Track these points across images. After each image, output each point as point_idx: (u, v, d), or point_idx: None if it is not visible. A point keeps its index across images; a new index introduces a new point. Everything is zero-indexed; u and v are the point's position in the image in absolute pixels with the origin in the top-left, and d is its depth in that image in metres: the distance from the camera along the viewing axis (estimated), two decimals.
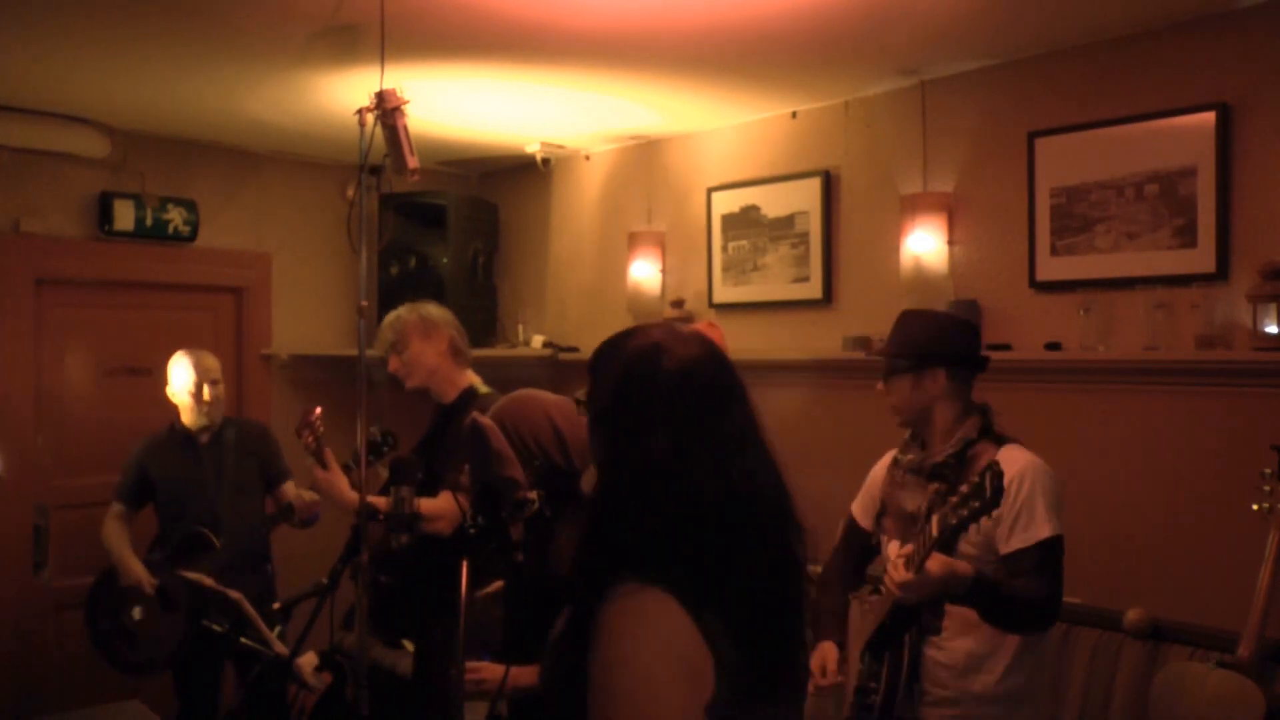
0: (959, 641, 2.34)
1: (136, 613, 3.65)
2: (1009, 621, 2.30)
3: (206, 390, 3.77)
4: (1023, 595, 2.26)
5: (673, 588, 1.24)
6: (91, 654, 3.82)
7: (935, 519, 2.14)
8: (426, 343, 3.28)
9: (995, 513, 2.09)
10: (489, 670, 2.23)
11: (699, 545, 1.28)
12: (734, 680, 1.24)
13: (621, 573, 1.26)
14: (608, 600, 1.24)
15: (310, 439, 3.14)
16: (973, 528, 2.17)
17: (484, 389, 3.29)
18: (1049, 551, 2.28)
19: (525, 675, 2.28)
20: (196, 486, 3.78)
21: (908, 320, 2.52)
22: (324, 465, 3.13)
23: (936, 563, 2.15)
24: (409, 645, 4.20)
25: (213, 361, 3.85)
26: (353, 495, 2.72)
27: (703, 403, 1.35)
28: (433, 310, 3.38)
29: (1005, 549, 2.29)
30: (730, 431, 1.34)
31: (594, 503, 1.36)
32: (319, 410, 3.16)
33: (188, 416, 3.80)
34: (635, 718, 1.19)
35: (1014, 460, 2.31)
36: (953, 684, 2.35)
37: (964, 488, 2.12)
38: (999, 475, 2.05)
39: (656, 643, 1.22)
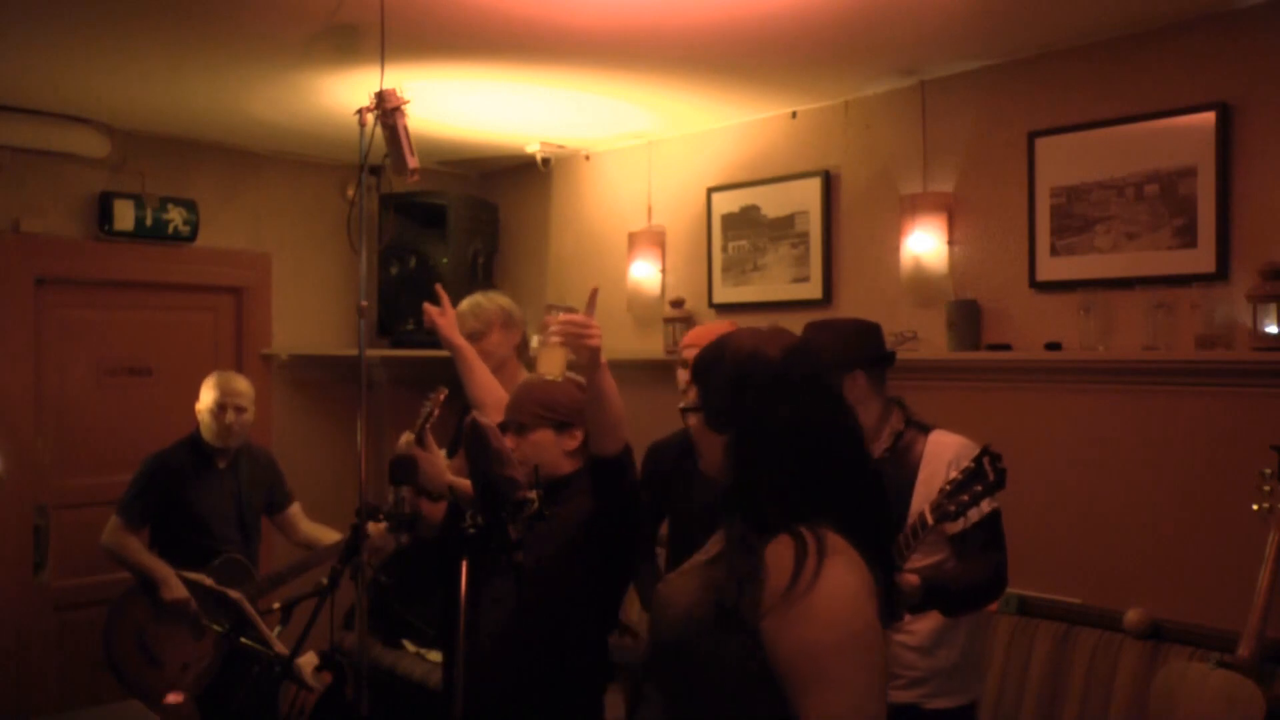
0: (921, 622, 2.44)
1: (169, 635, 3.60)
2: (969, 608, 2.42)
3: (229, 414, 3.74)
4: (974, 580, 2.36)
5: (832, 526, 1.48)
6: (91, 654, 3.82)
7: (928, 510, 2.22)
8: (504, 334, 3.29)
9: (999, 493, 2.19)
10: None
11: (836, 498, 1.53)
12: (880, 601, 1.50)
13: (774, 526, 1.48)
14: (772, 544, 1.46)
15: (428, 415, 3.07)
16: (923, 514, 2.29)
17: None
18: (993, 525, 2.40)
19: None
20: (221, 510, 3.76)
21: (815, 331, 2.58)
22: (424, 445, 3.06)
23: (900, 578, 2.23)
24: (409, 645, 4.22)
25: (242, 386, 3.82)
26: (450, 477, 2.71)
27: (822, 385, 1.62)
28: (509, 303, 3.39)
29: (954, 529, 2.38)
30: (833, 405, 1.61)
31: (736, 480, 1.56)
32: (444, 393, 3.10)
33: (207, 435, 3.78)
34: (854, 627, 1.42)
35: (946, 444, 2.45)
36: (920, 664, 2.44)
37: (955, 475, 2.21)
38: (998, 457, 2.17)
39: (851, 563, 1.46)
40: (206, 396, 3.77)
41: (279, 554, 4.18)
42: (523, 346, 3.41)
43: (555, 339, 2.10)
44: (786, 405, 1.54)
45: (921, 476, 2.43)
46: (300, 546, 4.02)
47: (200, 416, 3.78)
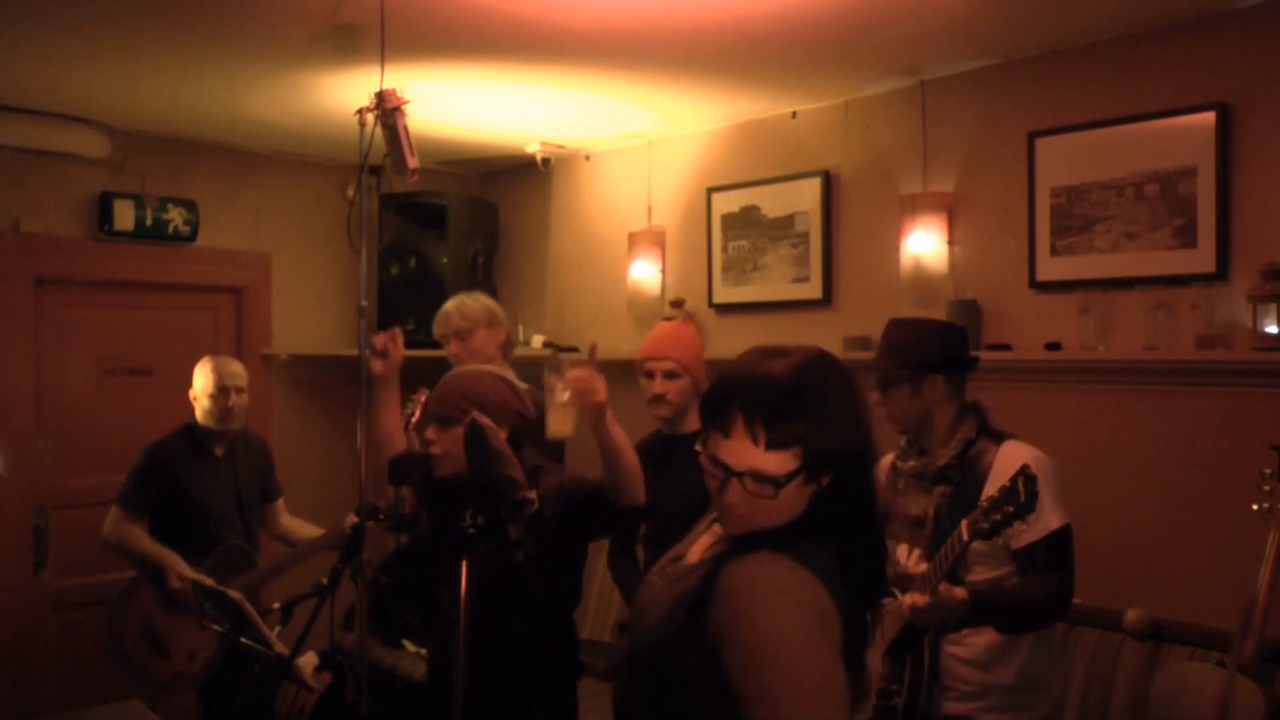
0: (979, 636, 2.38)
1: (171, 622, 3.59)
2: (1026, 625, 2.35)
3: (232, 395, 3.74)
4: (1028, 598, 2.31)
5: (797, 557, 1.38)
6: (92, 654, 3.82)
7: (965, 525, 2.17)
8: (490, 333, 3.41)
9: (1030, 516, 2.13)
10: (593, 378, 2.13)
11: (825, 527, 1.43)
12: (847, 638, 1.39)
13: (744, 549, 1.41)
14: (724, 569, 1.39)
15: (409, 416, 3.16)
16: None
17: (521, 385, 3.35)
18: (1060, 541, 2.33)
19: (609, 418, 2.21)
20: (220, 498, 3.77)
21: (898, 329, 2.53)
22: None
23: (943, 587, 2.19)
24: (409, 645, 4.22)
25: (238, 368, 3.82)
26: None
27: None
28: (493, 303, 3.50)
29: (1017, 544, 2.33)
30: None
31: (818, 513, 1.44)
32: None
33: (207, 420, 3.77)
34: (801, 668, 1.31)
35: (1016, 456, 2.34)
36: (976, 678, 2.38)
37: (994, 492, 2.15)
38: (1033, 479, 2.10)
39: (804, 598, 1.36)
40: (204, 381, 3.76)
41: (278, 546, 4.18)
42: (507, 345, 3.47)
43: (565, 398, 2.09)
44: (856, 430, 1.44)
45: (988, 489, 2.32)
46: (278, 540, 4.03)
47: (198, 403, 3.78)
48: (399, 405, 2.86)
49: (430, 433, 2.44)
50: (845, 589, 1.40)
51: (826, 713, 1.30)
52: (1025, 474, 2.11)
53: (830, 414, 1.39)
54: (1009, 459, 2.34)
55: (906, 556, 2.46)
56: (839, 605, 1.38)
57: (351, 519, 3.68)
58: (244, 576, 3.66)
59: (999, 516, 2.11)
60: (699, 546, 1.56)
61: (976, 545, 2.29)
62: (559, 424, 2.13)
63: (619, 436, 2.18)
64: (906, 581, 2.38)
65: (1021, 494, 2.09)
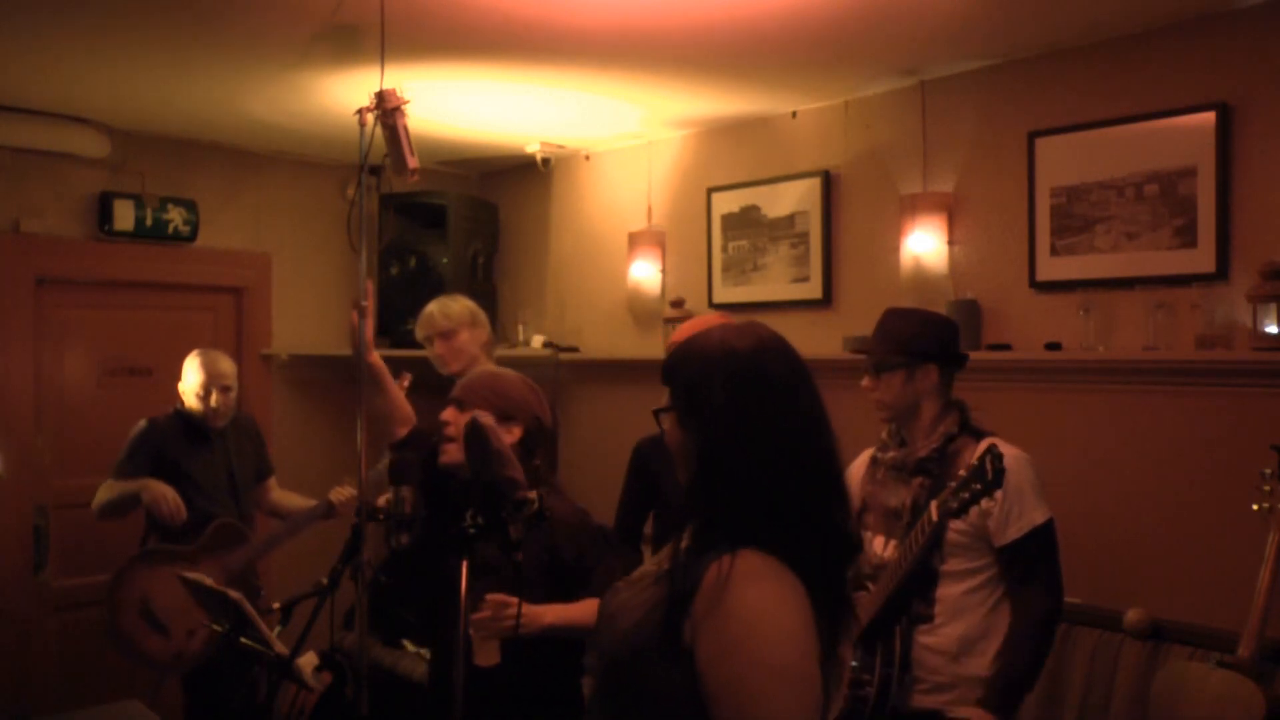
0: (951, 627, 2.40)
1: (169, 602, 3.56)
2: (1045, 651, 2.42)
3: (215, 396, 3.76)
4: (1032, 633, 2.36)
5: (775, 552, 1.38)
6: (92, 654, 3.81)
7: (934, 505, 2.22)
8: (472, 333, 3.47)
9: (997, 494, 2.18)
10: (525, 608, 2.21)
11: (793, 517, 1.41)
12: (822, 638, 1.40)
13: (721, 543, 1.39)
14: (713, 565, 1.37)
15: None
16: (962, 520, 2.28)
17: None
18: (1044, 536, 2.39)
19: (551, 614, 2.30)
20: (212, 478, 3.79)
21: (896, 318, 2.57)
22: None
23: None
24: (409, 645, 4.21)
25: (227, 366, 3.84)
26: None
27: (799, 387, 1.49)
28: (473, 304, 3.56)
29: (1002, 540, 2.36)
30: (808, 411, 1.47)
31: (698, 484, 1.46)
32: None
33: (194, 413, 3.80)
34: (777, 659, 1.33)
35: None
36: (946, 669, 2.40)
37: (962, 472, 2.20)
38: (999, 458, 2.16)
39: (783, 592, 1.36)
40: (192, 378, 3.78)
41: (273, 523, 4.19)
42: (489, 345, 3.51)
43: (477, 634, 2.24)
44: (756, 404, 1.43)
45: None
46: (270, 515, 4.07)
47: (185, 396, 3.80)
48: (390, 380, 2.89)
49: (449, 414, 2.49)
50: (820, 583, 1.41)
51: (797, 707, 1.33)
52: (992, 453, 2.17)
53: (681, 366, 1.52)
54: None
55: (883, 548, 2.49)
56: (814, 600, 1.40)
57: (339, 491, 3.72)
58: (238, 553, 3.68)
59: (967, 495, 2.16)
60: (665, 554, 1.55)
61: (954, 537, 2.33)
62: (485, 655, 2.23)
63: (570, 620, 2.29)
64: (881, 571, 2.41)
65: (988, 471, 2.14)
